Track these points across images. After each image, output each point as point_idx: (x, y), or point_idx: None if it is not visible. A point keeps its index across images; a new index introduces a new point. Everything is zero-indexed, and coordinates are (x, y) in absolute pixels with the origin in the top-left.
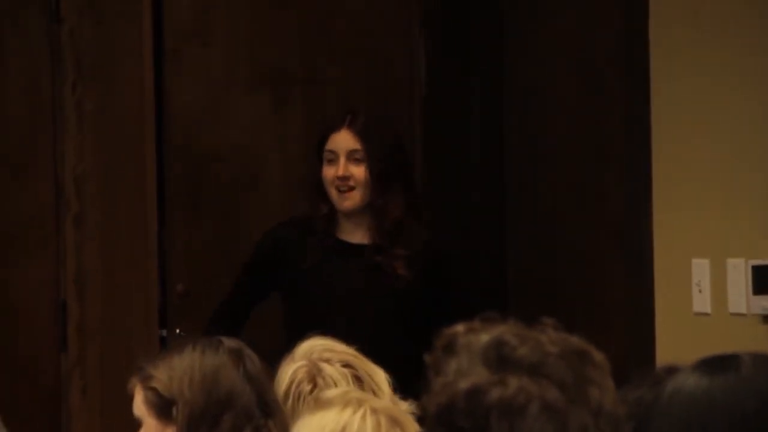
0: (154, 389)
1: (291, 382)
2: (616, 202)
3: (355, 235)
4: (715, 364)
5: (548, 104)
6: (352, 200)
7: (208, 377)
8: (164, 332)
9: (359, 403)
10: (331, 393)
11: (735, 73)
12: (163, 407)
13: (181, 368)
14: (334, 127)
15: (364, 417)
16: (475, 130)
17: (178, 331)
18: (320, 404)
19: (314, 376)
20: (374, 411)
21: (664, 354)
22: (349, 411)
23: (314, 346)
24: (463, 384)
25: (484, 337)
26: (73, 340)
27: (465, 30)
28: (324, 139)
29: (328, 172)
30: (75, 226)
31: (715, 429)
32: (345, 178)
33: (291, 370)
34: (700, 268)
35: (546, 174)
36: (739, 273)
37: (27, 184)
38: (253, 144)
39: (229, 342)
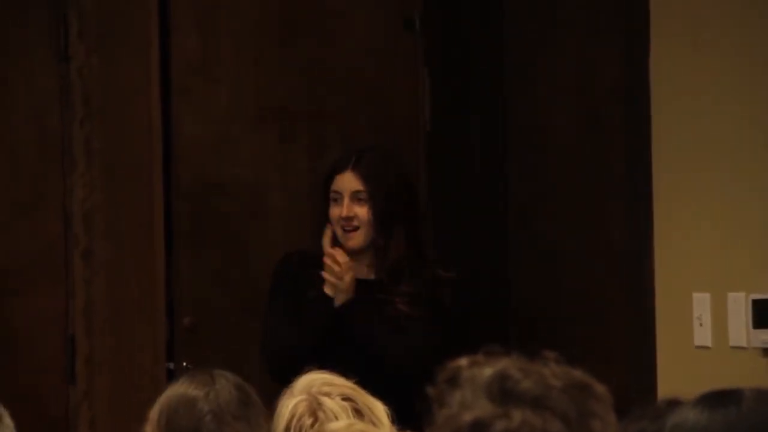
0: None
1: (292, 417)
2: (618, 236)
3: (361, 271)
4: (717, 399)
5: (549, 139)
6: (356, 240)
7: (171, 413)
8: (172, 365)
9: None
10: (335, 426)
11: (734, 109)
12: None
13: (156, 407)
14: (340, 168)
15: None
16: (478, 164)
17: (185, 364)
18: None
19: (315, 410)
20: None
21: (666, 387)
22: None
23: (313, 380)
24: (467, 417)
25: (488, 371)
26: (82, 373)
27: (467, 67)
28: (330, 179)
29: (334, 211)
30: (83, 261)
31: None
32: (349, 219)
33: (291, 405)
34: (701, 302)
35: (548, 208)
36: (739, 307)
37: (36, 219)
38: (258, 177)
39: (202, 374)
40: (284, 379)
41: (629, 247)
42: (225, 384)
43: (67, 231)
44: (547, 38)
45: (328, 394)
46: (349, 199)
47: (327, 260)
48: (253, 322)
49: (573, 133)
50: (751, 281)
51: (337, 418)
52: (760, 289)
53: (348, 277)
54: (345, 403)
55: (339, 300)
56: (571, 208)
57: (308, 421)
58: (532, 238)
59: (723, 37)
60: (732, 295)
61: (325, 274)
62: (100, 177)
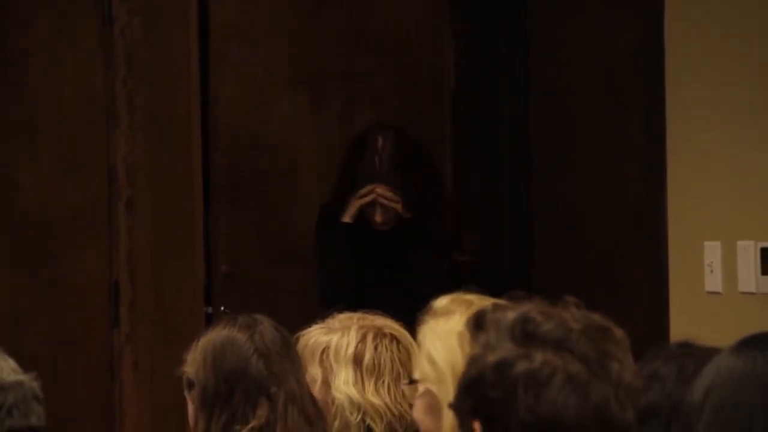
0: (184, 372)
1: (362, 338)
2: (634, 189)
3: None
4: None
5: (571, 100)
6: (387, 226)
7: (217, 354)
8: (209, 309)
9: (468, 305)
10: (440, 303)
11: (745, 68)
12: (189, 388)
13: (198, 349)
14: (370, 179)
15: None
16: (501, 123)
17: (222, 308)
18: (439, 314)
19: (379, 327)
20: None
21: (678, 330)
22: (468, 312)
23: (343, 317)
24: (492, 357)
25: (511, 315)
26: (125, 317)
27: (492, 30)
28: (359, 179)
29: (371, 213)
30: (127, 212)
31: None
32: (385, 222)
33: (351, 333)
34: (712, 250)
35: (568, 162)
36: (748, 254)
37: (82, 173)
38: (291, 136)
39: (244, 317)
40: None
41: (644, 200)
42: (267, 326)
43: (111, 184)
44: (567, 2)
45: (369, 318)
46: (381, 207)
47: (363, 192)
48: (287, 271)
49: (592, 93)
50: (759, 230)
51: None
52: None
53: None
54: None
55: (383, 226)
56: (590, 163)
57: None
58: (554, 192)
59: (736, 3)
60: (741, 243)
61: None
62: (142, 133)
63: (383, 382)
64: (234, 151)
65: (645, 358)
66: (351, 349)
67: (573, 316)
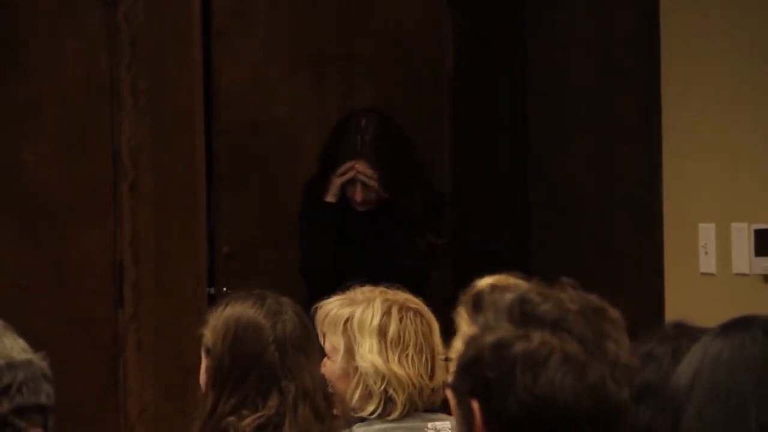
0: (203, 335)
1: (387, 309)
2: (630, 171)
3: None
4: (735, 326)
5: (567, 83)
6: (367, 206)
7: (239, 334)
8: (212, 290)
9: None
10: (482, 284)
11: (739, 52)
12: (207, 353)
13: (221, 320)
14: (350, 155)
15: None
16: (499, 106)
17: (225, 289)
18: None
19: (403, 302)
20: None
21: (673, 311)
22: None
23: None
24: (490, 338)
25: (509, 295)
26: (129, 297)
27: (490, 13)
28: (341, 157)
29: (352, 193)
30: (130, 194)
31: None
32: (365, 203)
33: (375, 305)
34: (707, 232)
35: (565, 145)
36: (742, 236)
37: (86, 155)
38: (292, 118)
39: (272, 301)
40: (313, 280)
41: (639, 185)
42: (291, 315)
43: (115, 166)
44: None
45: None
46: (361, 185)
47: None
48: (287, 252)
49: (588, 81)
50: (753, 212)
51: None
52: (762, 220)
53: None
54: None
55: (362, 207)
56: (586, 146)
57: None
58: (550, 174)
59: None
60: (735, 225)
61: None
62: (145, 115)
63: (407, 354)
64: (236, 132)
65: (640, 339)
66: (376, 321)
67: (570, 297)
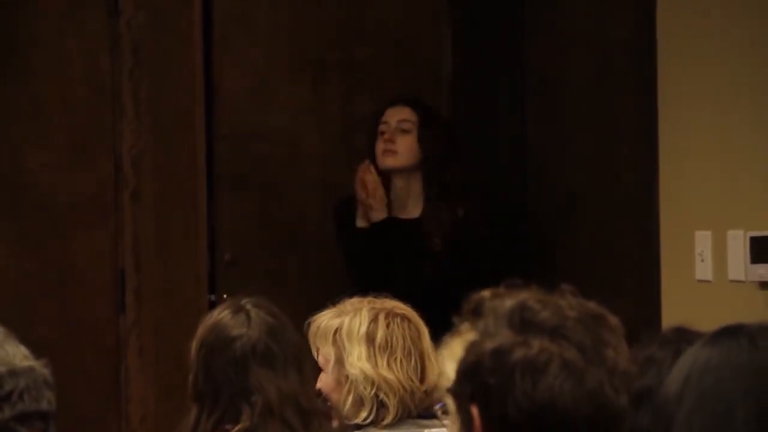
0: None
1: (374, 317)
2: (627, 178)
3: (402, 211)
4: (725, 335)
5: (564, 87)
6: (391, 161)
7: (207, 353)
8: (213, 297)
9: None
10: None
11: (735, 58)
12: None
13: (198, 337)
14: (393, 103)
15: None
16: (499, 110)
17: (225, 295)
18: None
19: (390, 310)
20: None
21: (669, 317)
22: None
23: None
24: (490, 344)
25: (509, 302)
26: (131, 304)
27: (488, 16)
28: (380, 114)
29: (379, 145)
30: (132, 201)
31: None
32: (391, 142)
33: (362, 314)
34: (703, 239)
35: (563, 150)
36: (738, 243)
37: (89, 162)
38: (293, 123)
39: (240, 316)
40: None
41: (637, 188)
42: (257, 327)
43: (117, 173)
44: None
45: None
46: (395, 127)
47: (357, 188)
48: (289, 258)
49: (586, 82)
50: (749, 220)
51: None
52: (758, 227)
53: (379, 194)
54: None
55: (376, 217)
56: (584, 151)
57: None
58: (549, 179)
59: None
60: (731, 233)
61: (360, 200)
62: (147, 123)
63: (395, 358)
64: (237, 138)
65: (641, 343)
66: (363, 328)
67: (569, 303)
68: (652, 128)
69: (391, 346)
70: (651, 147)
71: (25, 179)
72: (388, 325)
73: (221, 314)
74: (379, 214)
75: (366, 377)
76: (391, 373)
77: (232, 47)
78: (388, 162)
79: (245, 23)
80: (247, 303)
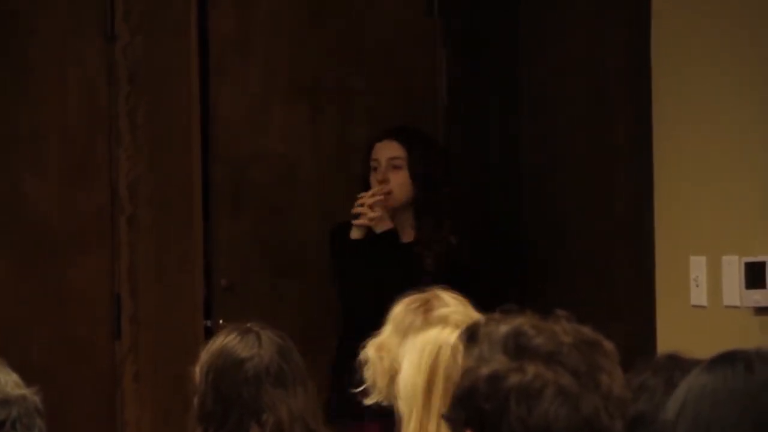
0: (194, 372)
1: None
2: (622, 204)
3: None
4: (724, 361)
5: (559, 113)
6: (388, 202)
7: (217, 374)
8: (209, 323)
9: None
10: (438, 312)
11: (728, 86)
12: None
13: (205, 360)
14: (380, 137)
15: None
16: (492, 136)
17: (221, 321)
18: (427, 323)
19: (428, 300)
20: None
21: (664, 343)
22: (447, 330)
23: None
24: (485, 370)
25: (504, 328)
26: (127, 329)
27: (483, 46)
28: (371, 148)
29: (373, 180)
30: (128, 226)
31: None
32: (384, 182)
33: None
34: (698, 265)
35: (558, 176)
36: (733, 269)
37: (85, 187)
38: (289, 149)
39: (250, 337)
40: (363, 314)
41: (632, 214)
42: (269, 348)
43: (113, 198)
44: (557, 20)
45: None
46: (386, 166)
47: (357, 206)
48: (285, 283)
49: (581, 108)
50: (743, 245)
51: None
52: (752, 253)
53: (378, 209)
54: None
55: (380, 228)
56: (579, 177)
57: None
58: (544, 205)
59: (718, 19)
60: (726, 258)
61: (359, 213)
62: (143, 149)
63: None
64: (233, 164)
65: (634, 369)
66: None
67: (564, 329)
68: (646, 154)
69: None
70: (646, 172)
71: (22, 205)
72: None
73: (227, 338)
74: (384, 225)
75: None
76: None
77: (228, 73)
78: (379, 228)
79: (241, 49)
80: (254, 326)
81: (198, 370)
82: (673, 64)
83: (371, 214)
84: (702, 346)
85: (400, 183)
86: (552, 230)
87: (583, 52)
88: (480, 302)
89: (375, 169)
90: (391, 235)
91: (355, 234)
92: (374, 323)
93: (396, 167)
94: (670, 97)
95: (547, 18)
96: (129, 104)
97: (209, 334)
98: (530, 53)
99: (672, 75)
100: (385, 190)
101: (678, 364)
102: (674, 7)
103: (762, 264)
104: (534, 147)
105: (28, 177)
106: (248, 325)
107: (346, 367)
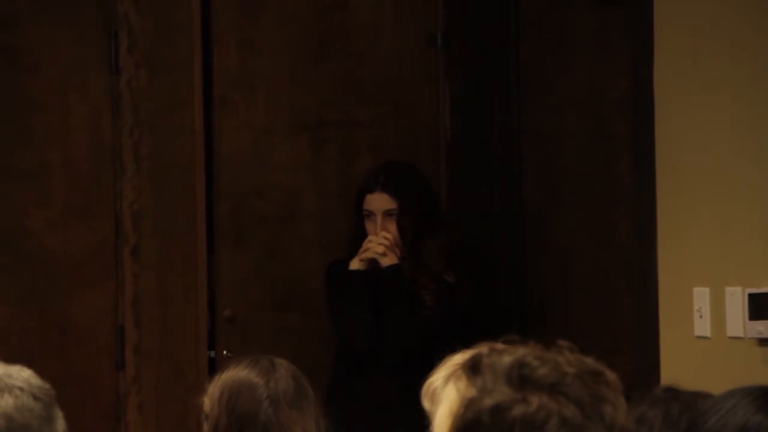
0: (203, 402)
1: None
2: (625, 235)
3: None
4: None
5: (561, 147)
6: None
7: (233, 395)
8: (212, 353)
9: None
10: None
11: (732, 119)
12: (205, 418)
13: (217, 385)
14: (370, 188)
15: None
16: (495, 170)
17: (225, 352)
18: None
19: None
20: None
21: (668, 374)
22: None
23: None
24: (488, 401)
25: (507, 358)
26: (130, 360)
27: (485, 79)
28: (361, 197)
29: (369, 228)
30: (132, 258)
31: None
32: (385, 231)
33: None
34: (701, 296)
35: (560, 209)
36: (736, 300)
37: (89, 219)
38: (292, 182)
39: (265, 362)
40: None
41: (635, 246)
42: (284, 373)
43: (117, 230)
44: (559, 54)
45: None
46: (382, 218)
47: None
48: (288, 314)
49: (583, 141)
50: (747, 277)
51: None
52: (756, 284)
53: (386, 244)
54: None
55: (385, 263)
56: (581, 210)
57: None
58: (546, 238)
59: (721, 54)
60: (729, 290)
61: (368, 247)
62: (147, 181)
63: None
64: (237, 197)
65: (632, 402)
66: None
67: (567, 360)
68: (649, 186)
69: None
70: (648, 204)
71: (26, 237)
72: None
73: (238, 365)
74: (390, 260)
75: None
76: None
77: (231, 106)
78: (385, 262)
79: (245, 83)
80: (264, 356)
81: (208, 400)
82: (676, 95)
83: (380, 249)
84: (706, 378)
85: (397, 231)
86: (555, 262)
87: (585, 85)
88: (476, 340)
89: (368, 216)
90: (396, 269)
91: (355, 264)
92: (371, 352)
93: (391, 215)
94: (673, 128)
95: (549, 51)
96: (133, 137)
97: (212, 364)
98: (533, 86)
99: (675, 106)
100: (391, 240)
101: (675, 397)
102: (677, 38)
103: (765, 295)
104: (536, 180)
105: (33, 210)
106: (257, 356)
107: (336, 396)
